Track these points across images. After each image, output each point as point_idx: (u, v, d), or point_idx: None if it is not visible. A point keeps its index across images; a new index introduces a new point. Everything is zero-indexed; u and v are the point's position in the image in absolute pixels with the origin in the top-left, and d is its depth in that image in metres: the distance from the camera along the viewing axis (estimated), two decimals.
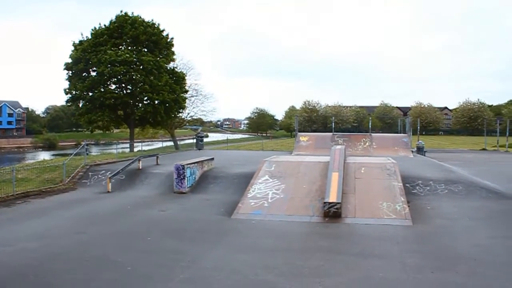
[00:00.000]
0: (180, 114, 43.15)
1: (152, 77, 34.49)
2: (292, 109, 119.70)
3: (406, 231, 11.38)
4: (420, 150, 34.32)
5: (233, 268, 8.12)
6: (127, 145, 39.22)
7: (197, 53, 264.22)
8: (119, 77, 34.79)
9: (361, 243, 10.14)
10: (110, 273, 7.79)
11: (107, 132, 44.52)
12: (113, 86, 35.97)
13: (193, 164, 17.57)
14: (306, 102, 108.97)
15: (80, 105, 35.59)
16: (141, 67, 34.69)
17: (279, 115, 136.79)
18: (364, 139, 33.13)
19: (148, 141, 49.39)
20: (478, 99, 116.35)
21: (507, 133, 50.91)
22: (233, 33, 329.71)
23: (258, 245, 9.92)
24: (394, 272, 8.06)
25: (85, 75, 34.78)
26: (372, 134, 34.98)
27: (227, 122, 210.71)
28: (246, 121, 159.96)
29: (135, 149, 35.56)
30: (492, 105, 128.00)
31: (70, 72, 34.64)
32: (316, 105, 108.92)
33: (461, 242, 10.22)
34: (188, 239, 10.27)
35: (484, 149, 48.87)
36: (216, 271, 7.92)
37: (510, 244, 10.09)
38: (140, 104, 36.34)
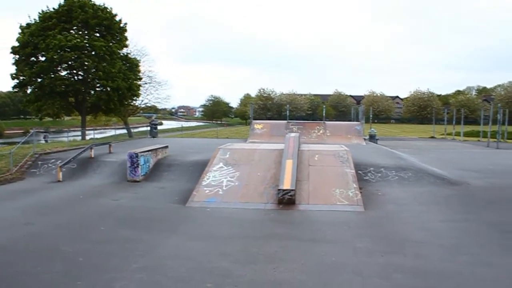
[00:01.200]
0: (134, 102, 42.38)
1: (104, 63, 33.52)
2: (247, 97, 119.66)
3: (358, 216, 11.69)
4: (372, 138, 35.15)
5: (188, 256, 8.13)
6: (79, 133, 38.20)
7: (152, 39, 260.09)
8: (70, 63, 33.60)
9: (314, 229, 10.34)
10: (61, 264, 7.60)
11: (57, 119, 43.16)
12: (64, 72, 34.68)
13: (147, 152, 17.35)
14: (261, 90, 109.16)
15: (29, 91, 34.22)
16: (93, 53, 33.61)
17: (234, 103, 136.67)
18: (318, 127, 33.60)
19: (100, 129, 48.26)
20: (428, 89, 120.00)
21: (454, 122, 52.79)
22: (189, 20, 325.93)
23: (213, 232, 9.96)
24: (346, 256, 8.28)
25: (33, 60, 33.33)
26: (326, 122, 35.51)
27: (182, 110, 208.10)
28: (201, 109, 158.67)
29: (87, 137, 34.73)
30: (440, 95, 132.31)
31: (17, 56, 33.09)
32: (271, 93, 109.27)
33: (409, 226, 10.61)
34: (142, 228, 10.18)
35: (432, 137, 50.58)
36: (171, 259, 7.91)
37: (454, 227, 10.57)
38: (93, 91, 35.35)
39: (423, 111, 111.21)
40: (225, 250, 8.53)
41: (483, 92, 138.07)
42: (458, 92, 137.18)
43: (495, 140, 35.74)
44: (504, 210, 12.27)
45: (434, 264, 7.84)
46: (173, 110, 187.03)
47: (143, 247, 8.58)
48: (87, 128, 36.51)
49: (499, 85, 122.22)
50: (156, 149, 18.57)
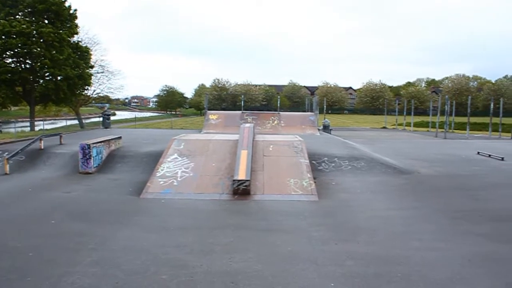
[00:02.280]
0: (86, 91, 41.30)
1: (53, 51, 32.43)
2: (202, 87, 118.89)
3: (312, 206, 11.87)
4: (326, 128, 35.73)
5: (143, 248, 8.03)
6: (27, 124, 36.94)
7: (105, 28, 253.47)
8: (15, 50, 32.24)
9: (269, 219, 10.43)
10: (9, 260, 7.30)
11: (3, 110, 41.57)
12: (9, 60, 33.25)
13: (100, 143, 16.97)
14: (216, 80, 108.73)
15: None
16: (41, 40, 32.38)
17: (189, 93, 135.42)
18: (272, 118, 33.80)
19: (50, 120, 46.90)
20: (380, 80, 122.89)
21: (405, 113, 54.32)
22: (144, 9, 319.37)
23: (168, 224, 9.88)
24: (301, 245, 8.41)
25: None
26: (281, 112, 35.79)
27: (136, 100, 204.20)
28: (155, 99, 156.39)
29: (36, 128, 33.65)
30: (392, 86, 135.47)
31: None
32: (226, 83, 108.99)
33: (362, 214, 10.88)
34: (95, 221, 9.97)
35: (384, 127, 51.94)
36: (125, 252, 7.79)
37: (404, 215, 10.93)
38: (41, 80, 34.15)
39: (375, 102, 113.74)
40: (180, 241, 8.48)
41: (432, 84, 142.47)
42: (409, 84, 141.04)
43: (443, 130, 37.08)
44: (452, 197, 12.79)
45: (386, 251, 8.08)
46: (127, 100, 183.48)
47: (96, 241, 8.41)
48: (36, 119, 35.33)
49: (446, 78, 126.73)
50: (109, 140, 18.19)
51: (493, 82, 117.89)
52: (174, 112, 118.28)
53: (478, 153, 22.43)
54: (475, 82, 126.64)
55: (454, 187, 14.22)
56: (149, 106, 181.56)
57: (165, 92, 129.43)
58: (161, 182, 13.60)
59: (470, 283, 6.62)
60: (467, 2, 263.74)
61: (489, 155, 21.38)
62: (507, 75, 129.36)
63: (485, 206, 11.80)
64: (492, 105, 39.79)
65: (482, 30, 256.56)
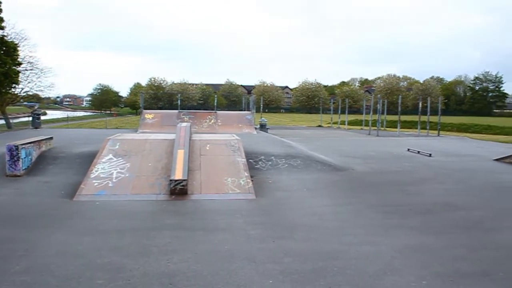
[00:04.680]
0: (13, 90, 39.29)
1: None
2: (137, 86, 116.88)
3: (250, 204, 11.93)
4: (263, 127, 36.04)
5: (77, 253, 7.76)
6: None
7: (34, 23, 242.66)
8: None
9: (207, 218, 10.39)
10: None
11: None
12: None
13: (29, 144, 16.21)
14: (152, 79, 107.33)
15: None
16: None
17: (124, 92, 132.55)
18: (209, 117, 33.69)
19: None
20: (315, 80, 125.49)
21: (340, 111, 55.72)
22: (75, 5, 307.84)
23: (103, 226, 9.61)
24: (239, 243, 8.44)
25: None
26: (218, 111, 35.74)
27: (68, 99, 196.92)
28: (88, 98, 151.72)
29: None
30: (327, 85, 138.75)
31: None
32: (162, 82, 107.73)
33: (298, 211, 11.08)
34: (25, 226, 9.50)
35: (320, 126, 53.05)
36: (58, 257, 7.49)
37: (339, 210, 11.24)
38: None
39: (311, 101, 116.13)
40: (116, 244, 8.27)
41: (365, 84, 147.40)
42: (343, 83, 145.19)
43: (376, 128, 38.36)
44: (384, 193, 13.28)
45: (321, 246, 8.28)
46: (58, 99, 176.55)
47: (26, 247, 8.02)
48: None
49: (379, 78, 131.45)
50: (39, 141, 17.39)
51: (421, 82, 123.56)
52: (109, 112, 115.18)
53: (408, 150, 23.41)
54: (405, 82, 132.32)
55: (386, 182, 14.77)
56: (83, 105, 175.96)
57: (99, 91, 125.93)
58: (96, 184, 13.21)
59: (401, 274, 6.92)
60: (398, 5, 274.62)
61: (418, 152, 22.37)
62: (433, 76, 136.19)
63: (415, 200, 12.36)
64: (420, 104, 41.57)
65: (411, 32, 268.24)
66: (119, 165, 14.40)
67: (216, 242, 8.47)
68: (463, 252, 8.13)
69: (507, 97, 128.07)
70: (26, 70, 41.54)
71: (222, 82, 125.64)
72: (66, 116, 58.86)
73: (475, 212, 11.15)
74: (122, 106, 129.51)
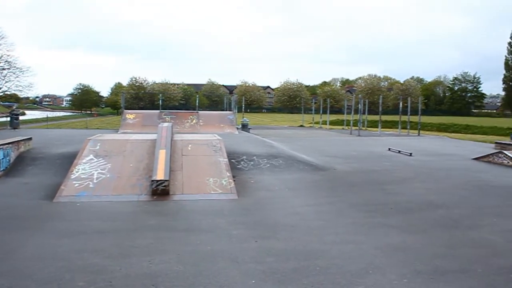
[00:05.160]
0: None
1: None
2: (118, 86, 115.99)
3: (232, 204, 11.92)
4: (244, 127, 36.07)
5: (57, 255, 7.65)
6: None
7: (12, 22, 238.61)
8: None
9: (189, 219, 10.36)
10: None
11: None
12: None
13: (7, 145, 15.96)
14: (133, 79, 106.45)
15: None
16: None
17: (105, 92, 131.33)
18: (191, 117, 33.64)
19: None
20: (297, 80, 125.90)
21: (321, 111, 56.03)
22: (56, 4, 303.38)
23: (84, 228, 9.49)
24: (221, 243, 8.42)
25: None
26: (199, 111, 35.66)
27: (48, 99, 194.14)
28: (68, 98, 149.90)
29: None
30: (309, 85, 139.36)
31: None
32: (143, 82, 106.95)
33: (281, 211, 11.10)
34: (3, 229, 9.31)
35: (301, 126, 53.31)
36: (38, 260, 7.37)
37: (321, 210, 11.30)
38: None
39: (292, 101, 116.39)
40: (97, 246, 8.18)
41: (346, 84, 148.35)
42: (325, 83, 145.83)
43: (357, 128, 38.69)
44: (365, 192, 13.40)
45: (304, 246, 8.31)
46: (38, 99, 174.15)
47: (4, 250, 7.88)
48: None
49: (360, 78, 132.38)
50: (18, 141, 17.15)
51: (402, 82, 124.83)
52: (90, 112, 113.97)
53: (389, 149, 23.66)
54: (386, 82, 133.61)
55: (368, 182, 14.90)
56: (63, 106, 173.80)
57: (79, 90, 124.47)
58: (76, 185, 13.06)
59: (382, 272, 6.99)
60: (378, 6, 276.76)
61: (399, 151, 22.62)
62: (413, 76, 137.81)
63: (396, 199, 12.49)
64: (401, 104, 42.09)
65: (391, 33, 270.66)
66: (100, 166, 14.26)
67: (198, 243, 8.44)
68: (442, 250, 8.24)
69: (485, 98, 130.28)
70: (4, 69, 40.99)
71: (204, 82, 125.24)
72: (45, 116, 58.01)
73: (454, 211, 11.31)
74: (103, 106, 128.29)
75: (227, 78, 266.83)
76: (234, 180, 13.87)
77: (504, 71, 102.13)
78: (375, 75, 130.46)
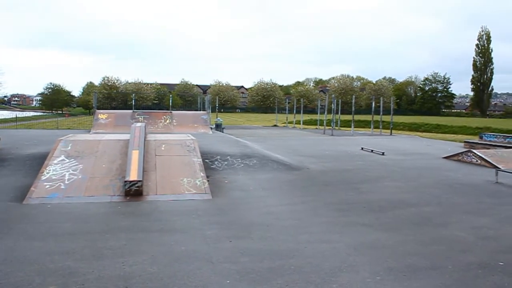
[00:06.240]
0: None
1: None
2: (90, 86, 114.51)
3: (206, 204, 11.87)
4: (218, 127, 36.00)
5: (27, 258, 7.48)
6: None
7: None
8: None
9: (163, 219, 10.27)
10: None
11: None
12: None
13: None
14: (106, 78, 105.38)
15: None
16: None
17: (76, 92, 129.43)
18: (164, 117, 33.39)
19: None
20: (271, 79, 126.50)
21: (295, 111, 56.27)
22: (23, 2, 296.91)
23: (55, 230, 9.31)
24: (196, 244, 8.38)
25: None
26: (173, 111, 35.39)
27: (16, 98, 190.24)
28: (38, 98, 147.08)
29: None
30: (282, 85, 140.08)
31: None
32: (116, 81, 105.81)
33: (255, 211, 11.11)
34: None
35: (275, 126, 53.47)
36: (6, 264, 7.17)
37: (295, 209, 11.35)
38: None
39: (266, 100, 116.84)
40: (69, 248, 8.04)
41: (320, 84, 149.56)
42: (298, 83, 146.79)
43: (330, 127, 39.00)
44: (338, 191, 13.53)
45: (278, 245, 8.33)
46: (6, 99, 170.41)
47: None
48: None
49: (333, 78, 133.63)
50: None
51: (374, 82, 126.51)
52: (61, 112, 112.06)
53: (362, 148, 23.93)
54: (359, 82, 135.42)
55: (341, 181, 15.05)
56: (33, 105, 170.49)
57: (50, 90, 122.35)
58: (47, 186, 12.81)
59: (356, 270, 7.07)
60: (351, 8, 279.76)
61: (372, 150, 22.90)
62: (385, 76, 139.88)
63: (368, 198, 12.65)
64: (373, 103, 42.59)
65: (364, 34, 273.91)
66: (71, 167, 14.03)
67: (172, 243, 8.38)
68: (414, 247, 8.39)
69: (454, 98, 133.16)
70: None
71: (177, 82, 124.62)
72: (14, 116, 56.82)
73: (425, 209, 11.52)
74: (75, 106, 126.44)
75: (201, 78, 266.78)
76: (208, 180, 13.82)
77: (472, 72, 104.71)
78: (348, 75, 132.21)
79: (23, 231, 9.20)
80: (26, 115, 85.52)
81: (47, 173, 13.55)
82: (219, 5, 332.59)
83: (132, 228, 9.56)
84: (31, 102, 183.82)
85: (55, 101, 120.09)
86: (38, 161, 14.97)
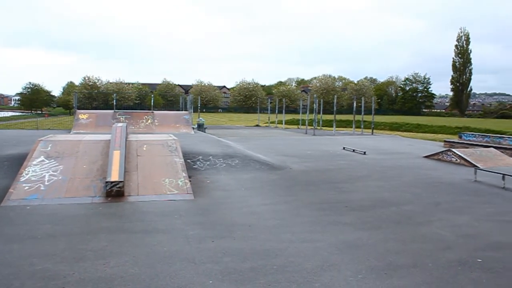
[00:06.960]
0: None
1: None
2: (70, 85, 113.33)
3: (188, 205, 11.83)
4: (200, 127, 35.92)
5: (5, 261, 7.34)
6: None
7: None
8: None
9: (145, 220, 10.20)
10: None
11: None
12: None
13: None
14: (86, 78, 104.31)
15: None
16: None
17: (56, 92, 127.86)
18: (146, 117, 33.18)
19: None
20: (253, 79, 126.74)
21: (277, 111, 56.36)
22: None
23: (35, 232, 9.17)
24: (178, 244, 8.35)
25: None
26: (155, 111, 35.21)
27: None
28: (17, 97, 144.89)
29: None
30: (264, 85, 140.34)
31: None
32: (96, 81, 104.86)
33: (237, 211, 11.11)
34: None
35: (257, 125, 53.52)
36: None
37: (278, 209, 11.36)
38: None
39: (248, 100, 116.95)
40: (49, 250, 7.93)
41: (302, 84, 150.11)
42: (280, 83, 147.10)
43: (312, 127, 39.17)
44: (320, 191, 13.59)
45: (261, 245, 8.34)
46: None
47: None
48: None
49: (315, 78, 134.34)
50: None
51: (356, 82, 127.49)
52: (40, 112, 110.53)
53: (344, 148, 24.09)
54: (340, 82, 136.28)
55: (323, 181, 15.12)
56: (11, 105, 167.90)
57: (29, 90, 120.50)
58: (26, 188, 12.62)
59: (338, 269, 7.12)
60: (333, 9, 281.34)
61: (353, 150, 23.07)
62: (367, 76, 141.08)
63: (350, 197, 12.74)
64: (355, 103, 42.87)
65: (346, 34, 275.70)
66: (51, 168, 13.84)
67: (154, 244, 8.33)
68: (395, 245, 8.47)
69: (434, 98, 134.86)
70: None
71: (159, 82, 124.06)
72: None
73: (406, 207, 11.64)
74: (55, 106, 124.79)
75: (183, 78, 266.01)
76: (190, 181, 13.77)
77: (452, 73, 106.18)
78: (330, 75, 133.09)
79: (0, 234, 9.04)
80: (4, 115, 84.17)
81: (26, 174, 13.34)
82: (200, 5, 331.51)
83: (113, 229, 9.48)
84: (9, 102, 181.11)
85: (35, 101, 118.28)
86: (17, 162, 14.73)
